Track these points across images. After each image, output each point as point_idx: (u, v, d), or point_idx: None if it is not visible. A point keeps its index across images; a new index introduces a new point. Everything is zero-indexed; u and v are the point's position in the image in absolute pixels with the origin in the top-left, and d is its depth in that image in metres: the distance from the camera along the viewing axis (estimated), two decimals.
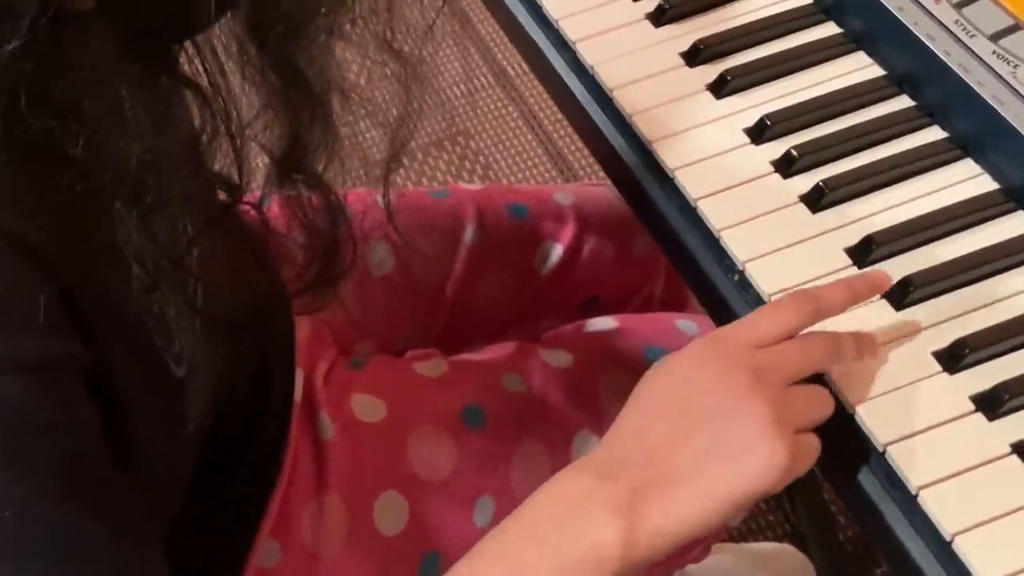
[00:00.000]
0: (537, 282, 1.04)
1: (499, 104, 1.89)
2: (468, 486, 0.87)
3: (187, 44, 0.63)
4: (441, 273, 1.01)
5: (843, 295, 0.67)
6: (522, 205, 1.04)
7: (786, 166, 0.77)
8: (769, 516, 1.41)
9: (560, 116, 1.84)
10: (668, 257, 0.81)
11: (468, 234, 1.02)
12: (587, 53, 0.86)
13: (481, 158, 1.83)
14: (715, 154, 0.79)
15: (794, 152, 0.77)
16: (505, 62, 1.94)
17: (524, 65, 1.91)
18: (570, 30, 0.87)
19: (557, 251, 1.03)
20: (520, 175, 1.80)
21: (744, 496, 0.61)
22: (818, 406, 0.64)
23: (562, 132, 1.84)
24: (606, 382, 0.92)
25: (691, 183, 0.77)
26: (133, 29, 0.58)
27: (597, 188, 1.09)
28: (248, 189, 0.67)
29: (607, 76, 0.84)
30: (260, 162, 0.68)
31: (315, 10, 0.61)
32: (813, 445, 0.63)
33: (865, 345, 0.67)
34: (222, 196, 0.75)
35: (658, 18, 0.87)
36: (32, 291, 0.50)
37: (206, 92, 0.62)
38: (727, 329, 0.66)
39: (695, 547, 1.12)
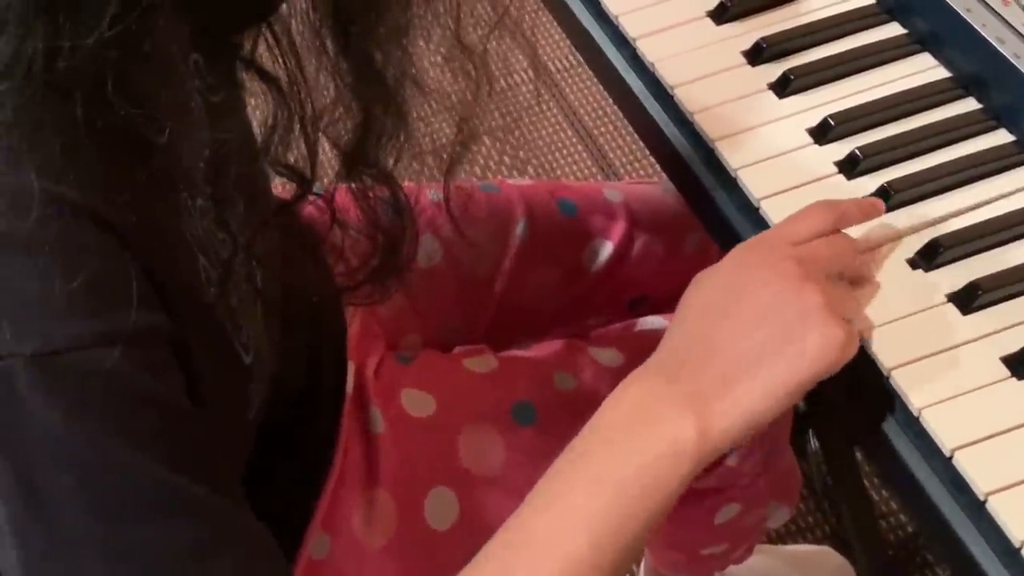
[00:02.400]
0: (586, 279, 1.03)
1: (540, 99, 1.89)
2: (519, 483, 0.86)
3: (266, 35, 0.63)
4: (490, 268, 1.01)
5: (854, 208, 0.72)
6: (572, 202, 1.04)
7: (850, 167, 0.76)
8: (809, 518, 1.41)
9: (601, 113, 1.84)
10: None
11: (518, 229, 1.01)
12: (647, 50, 0.85)
13: (521, 153, 1.82)
14: (778, 154, 0.78)
15: (859, 153, 0.76)
16: (546, 57, 1.94)
17: (565, 61, 1.91)
18: (630, 26, 0.87)
19: (607, 249, 1.03)
20: (560, 171, 1.80)
21: (806, 378, 0.63)
22: (853, 298, 0.68)
23: (602, 129, 1.83)
24: None
25: (754, 183, 0.76)
26: (208, 18, 0.58)
27: (647, 186, 1.09)
28: (317, 182, 0.67)
29: (668, 73, 0.83)
30: (326, 155, 0.68)
31: (394, 4, 0.62)
32: (856, 333, 0.65)
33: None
34: (280, 188, 0.75)
35: (719, 15, 0.86)
36: (123, 268, 0.52)
37: (282, 84, 0.63)
38: (764, 233, 0.70)
39: (737, 548, 1.12)
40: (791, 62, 0.82)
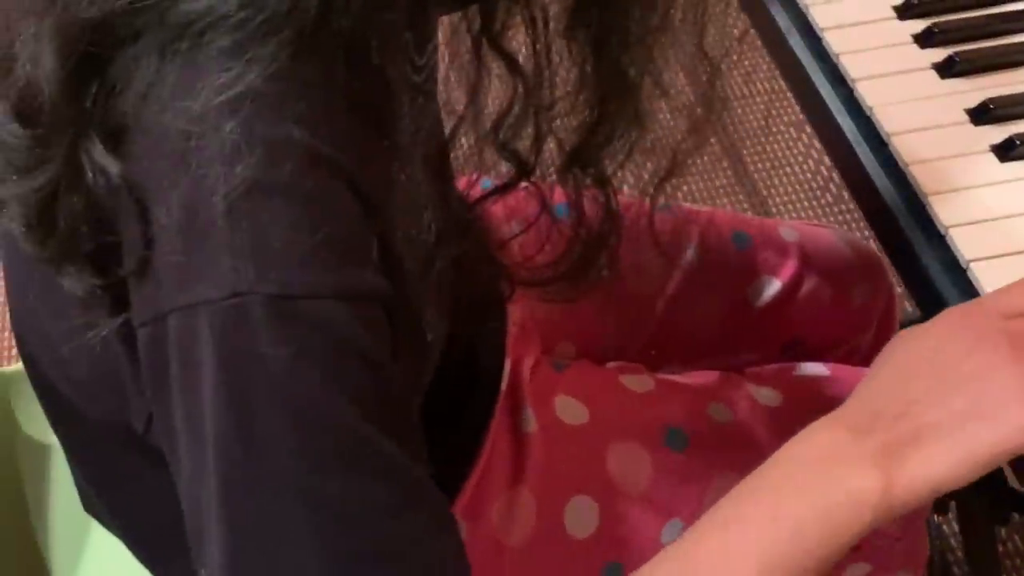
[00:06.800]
0: (748, 313, 1.02)
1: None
2: (661, 505, 0.86)
3: (521, 18, 0.63)
4: (654, 288, 1.00)
5: None
6: (747, 234, 1.03)
7: None
8: None
9: (759, 149, 1.82)
10: (923, 312, 0.78)
11: (689, 254, 1.00)
12: (867, 93, 0.84)
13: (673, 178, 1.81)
14: (994, 218, 0.76)
15: None
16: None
17: (729, 91, 1.89)
18: (851, 67, 0.85)
19: (774, 286, 1.01)
20: (710, 201, 1.78)
21: (1001, 453, 0.61)
22: None
23: (759, 165, 1.81)
24: None
25: (965, 243, 0.75)
26: None
27: (823, 229, 1.07)
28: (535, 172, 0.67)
29: (886, 120, 0.82)
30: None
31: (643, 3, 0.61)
32: None
33: None
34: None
35: (946, 70, 0.85)
36: (365, 231, 0.54)
37: (523, 69, 0.62)
38: (978, 300, 0.68)
39: None
40: (1018, 127, 0.80)
